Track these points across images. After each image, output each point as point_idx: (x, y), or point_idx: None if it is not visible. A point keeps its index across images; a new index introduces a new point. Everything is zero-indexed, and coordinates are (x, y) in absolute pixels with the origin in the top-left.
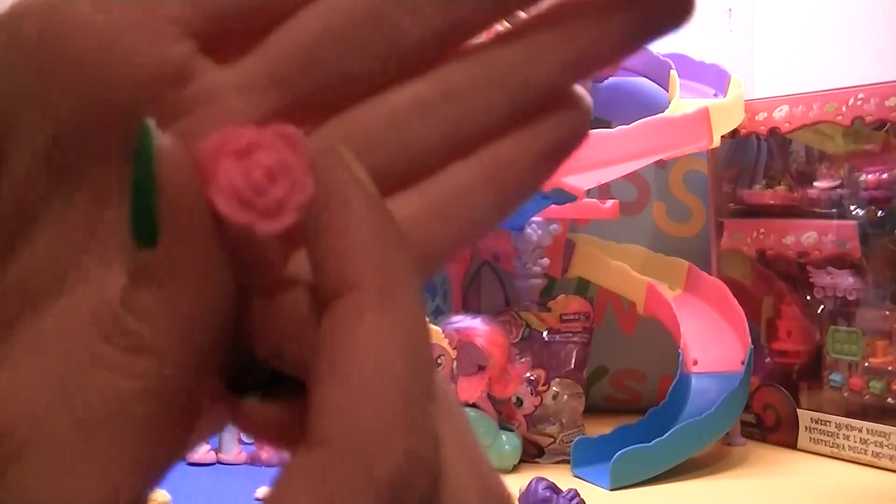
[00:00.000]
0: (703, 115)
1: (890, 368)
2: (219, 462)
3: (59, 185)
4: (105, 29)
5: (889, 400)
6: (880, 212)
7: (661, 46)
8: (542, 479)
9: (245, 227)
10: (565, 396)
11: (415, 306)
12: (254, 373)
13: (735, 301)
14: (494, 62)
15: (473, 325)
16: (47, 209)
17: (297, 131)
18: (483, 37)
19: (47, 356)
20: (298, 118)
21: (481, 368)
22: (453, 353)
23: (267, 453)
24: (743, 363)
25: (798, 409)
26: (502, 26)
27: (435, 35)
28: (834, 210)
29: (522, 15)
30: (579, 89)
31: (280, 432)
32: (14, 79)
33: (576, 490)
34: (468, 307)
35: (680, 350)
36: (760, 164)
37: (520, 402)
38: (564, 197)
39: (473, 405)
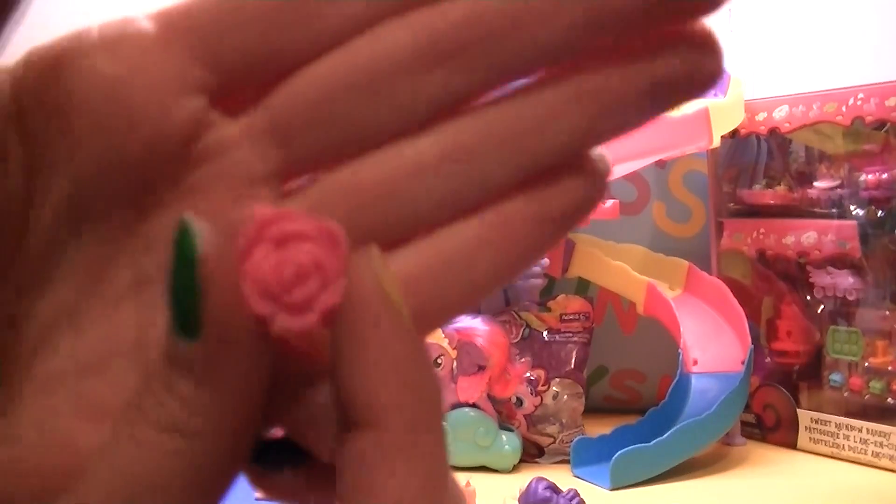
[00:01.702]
0: (703, 115)
1: (890, 368)
2: None
3: (73, 232)
4: (115, 84)
5: (889, 400)
6: (880, 212)
7: None
8: (542, 479)
9: (263, 319)
10: (565, 396)
11: (438, 447)
12: (274, 445)
13: (735, 301)
14: (509, 122)
15: (473, 325)
16: (62, 255)
17: (340, 230)
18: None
19: (79, 415)
20: (305, 169)
21: (481, 368)
22: (453, 353)
23: None
24: (743, 363)
25: (798, 409)
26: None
27: (445, 95)
28: (834, 210)
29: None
30: (596, 153)
31: (295, 497)
32: (29, 135)
33: (576, 490)
34: None
35: (680, 350)
36: (760, 164)
37: (520, 402)
38: None
39: (473, 405)
